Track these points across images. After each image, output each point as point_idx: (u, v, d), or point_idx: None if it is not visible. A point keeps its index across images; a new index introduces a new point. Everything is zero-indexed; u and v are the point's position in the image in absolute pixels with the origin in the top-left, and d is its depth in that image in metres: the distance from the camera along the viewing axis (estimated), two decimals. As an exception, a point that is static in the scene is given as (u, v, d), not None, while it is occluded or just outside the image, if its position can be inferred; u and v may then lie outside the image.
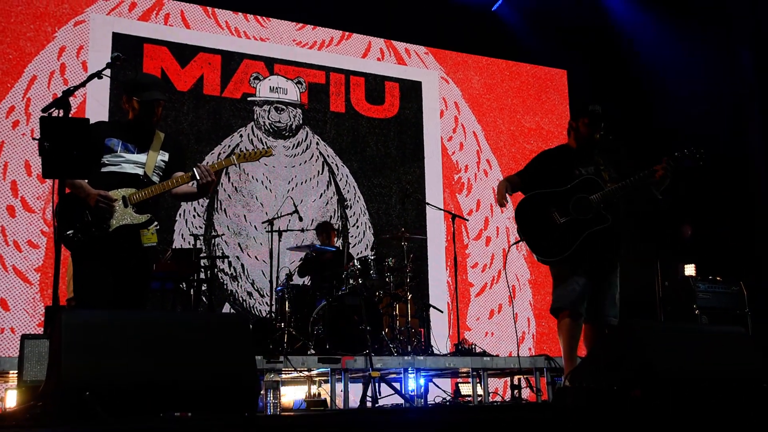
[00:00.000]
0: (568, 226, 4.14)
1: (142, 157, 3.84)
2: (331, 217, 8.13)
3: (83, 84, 3.48)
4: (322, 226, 7.32)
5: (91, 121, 3.44)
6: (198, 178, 3.73)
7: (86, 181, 3.73)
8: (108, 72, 3.54)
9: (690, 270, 7.04)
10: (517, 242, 4.44)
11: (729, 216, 8.56)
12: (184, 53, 7.88)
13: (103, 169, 3.75)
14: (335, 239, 7.49)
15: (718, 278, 6.88)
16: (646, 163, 4.14)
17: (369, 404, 5.12)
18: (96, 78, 3.49)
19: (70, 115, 3.30)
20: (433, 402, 6.08)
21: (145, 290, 3.84)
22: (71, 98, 3.35)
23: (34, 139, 3.25)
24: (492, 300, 8.71)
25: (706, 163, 4.03)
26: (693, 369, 3.10)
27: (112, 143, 3.78)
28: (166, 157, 3.93)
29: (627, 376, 3.01)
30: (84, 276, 3.65)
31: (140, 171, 3.81)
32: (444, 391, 6.44)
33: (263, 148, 3.98)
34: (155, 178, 3.85)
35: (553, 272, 4.32)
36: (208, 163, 3.85)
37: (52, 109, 3.16)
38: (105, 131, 3.85)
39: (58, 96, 3.31)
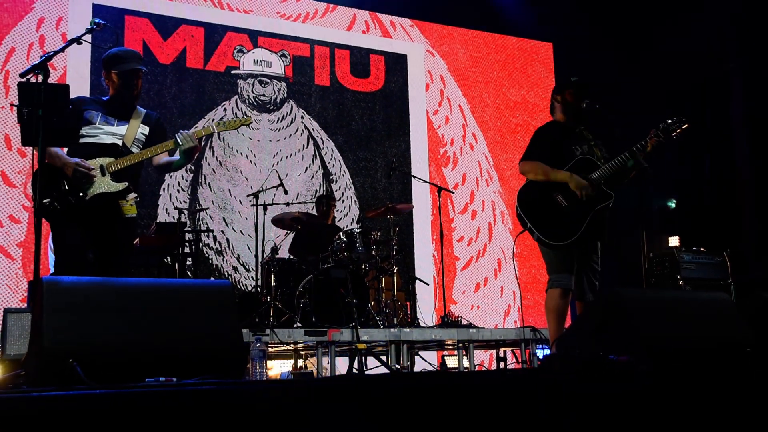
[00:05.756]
0: (574, 207, 4.14)
1: (121, 129, 3.85)
2: (316, 191, 8.08)
3: (63, 49, 3.42)
4: (321, 199, 7.25)
5: (72, 92, 3.38)
6: (180, 143, 3.74)
7: (65, 150, 3.72)
8: (88, 38, 3.48)
9: (674, 241, 7.09)
10: (521, 233, 4.36)
11: (712, 187, 8.62)
12: (166, 25, 7.76)
13: (81, 140, 3.77)
14: (334, 211, 7.40)
15: (702, 249, 6.93)
16: (638, 135, 4.18)
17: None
18: (76, 44, 3.42)
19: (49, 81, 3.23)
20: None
21: (126, 259, 3.82)
22: (51, 69, 3.28)
23: (12, 105, 3.19)
24: (478, 273, 8.73)
25: (690, 129, 4.08)
26: (678, 335, 3.12)
27: (90, 115, 3.81)
28: (146, 131, 3.96)
29: (613, 343, 3.02)
30: (63, 243, 3.63)
31: (119, 141, 3.83)
32: (430, 363, 6.47)
33: (243, 117, 4.01)
34: (134, 149, 3.86)
35: (550, 253, 4.29)
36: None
37: (31, 75, 3.09)
38: (84, 104, 3.86)
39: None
